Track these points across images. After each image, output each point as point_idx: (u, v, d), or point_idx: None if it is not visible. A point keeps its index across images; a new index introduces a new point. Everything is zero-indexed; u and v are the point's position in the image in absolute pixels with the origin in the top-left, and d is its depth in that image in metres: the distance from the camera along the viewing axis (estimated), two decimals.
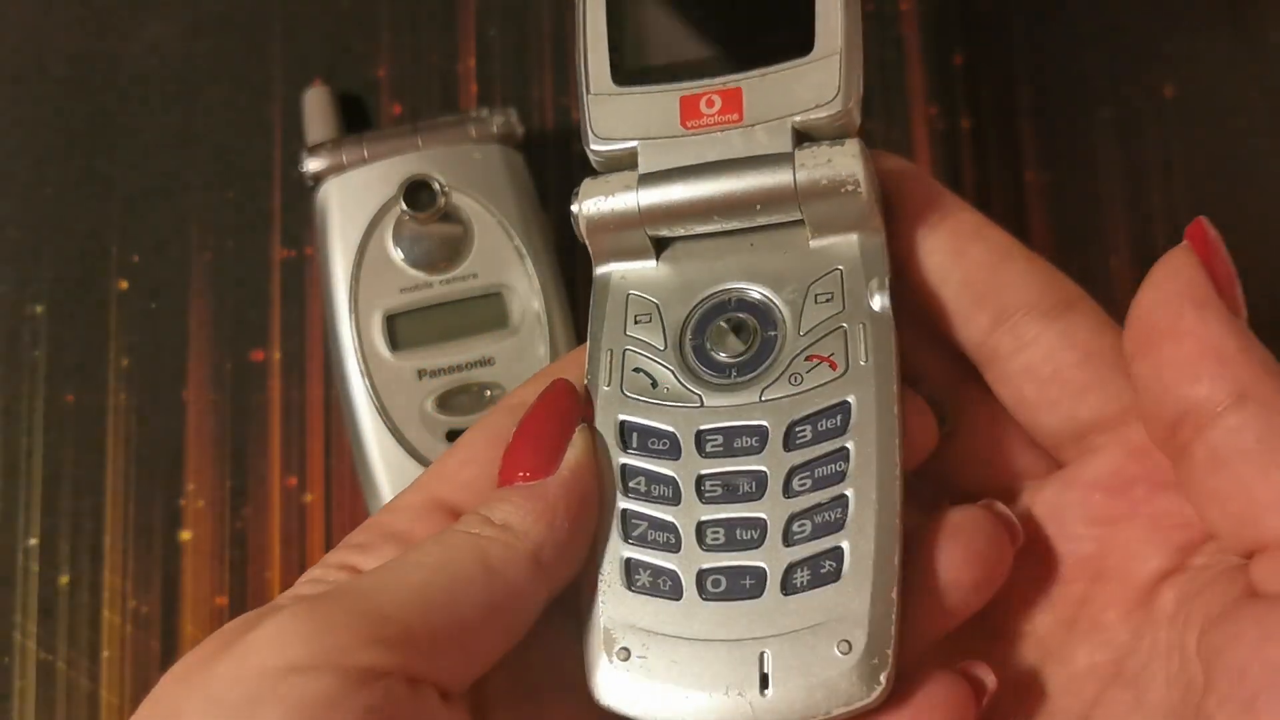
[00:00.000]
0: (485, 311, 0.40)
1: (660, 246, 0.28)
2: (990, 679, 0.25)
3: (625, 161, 0.28)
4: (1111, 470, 0.26)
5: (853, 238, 0.27)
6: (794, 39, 0.28)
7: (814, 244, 0.27)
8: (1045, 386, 0.26)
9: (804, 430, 0.25)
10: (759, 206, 0.27)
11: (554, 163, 0.45)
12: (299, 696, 0.21)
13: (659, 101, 0.27)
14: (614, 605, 0.25)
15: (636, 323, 0.27)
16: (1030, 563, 0.26)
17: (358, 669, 0.21)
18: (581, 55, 0.28)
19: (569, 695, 0.25)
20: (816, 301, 0.26)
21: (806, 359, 0.26)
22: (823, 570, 0.24)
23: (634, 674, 0.24)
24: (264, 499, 0.42)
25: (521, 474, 0.25)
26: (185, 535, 0.42)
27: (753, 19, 0.28)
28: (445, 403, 0.39)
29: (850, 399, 0.25)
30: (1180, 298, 0.23)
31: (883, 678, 0.23)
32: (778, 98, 0.27)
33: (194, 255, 0.44)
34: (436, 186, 0.41)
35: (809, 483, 0.25)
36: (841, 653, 0.24)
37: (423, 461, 0.39)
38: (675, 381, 0.26)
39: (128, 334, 0.44)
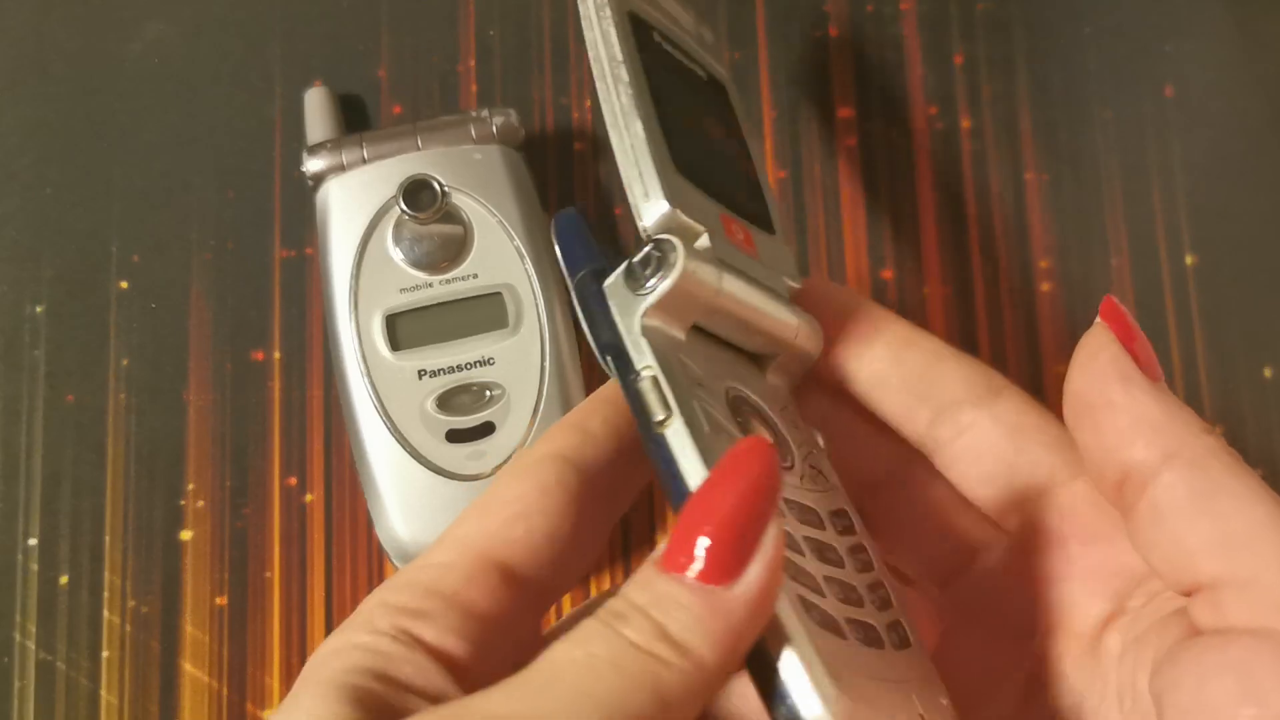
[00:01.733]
0: (485, 311, 0.40)
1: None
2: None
3: (681, 234, 0.27)
4: (1048, 532, 0.28)
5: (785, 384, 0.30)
6: (764, 217, 0.31)
7: (769, 378, 0.30)
8: (982, 464, 0.29)
9: (837, 522, 0.27)
10: (768, 335, 0.29)
11: (554, 163, 0.45)
12: None
13: (710, 206, 0.28)
14: (818, 647, 0.22)
15: (698, 384, 0.26)
16: (995, 625, 0.29)
17: None
18: (649, 129, 0.28)
19: None
20: (791, 425, 0.29)
21: (810, 466, 0.28)
22: (901, 634, 0.26)
23: (855, 704, 0.22)
24: (264, 499, 0.42)
25: (700, 568, 0.21)
26: (185, 535, 0.42)
27: (747, 186, 0.31)
28: (445, 403, 0.39)
29: (846, 508, 0.28)
30: (1106, 375, 0.26)
31: None
32: (771, 255, 0.30)
33: (194, 255, 0.44)
34: (436, 186, 0.41)
35: (857, 565, 0.26)
36: (945, 705, 0.25)
37: (423, 461, 0.39)
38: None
39: (128, 334, 0.44)
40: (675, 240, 0.26)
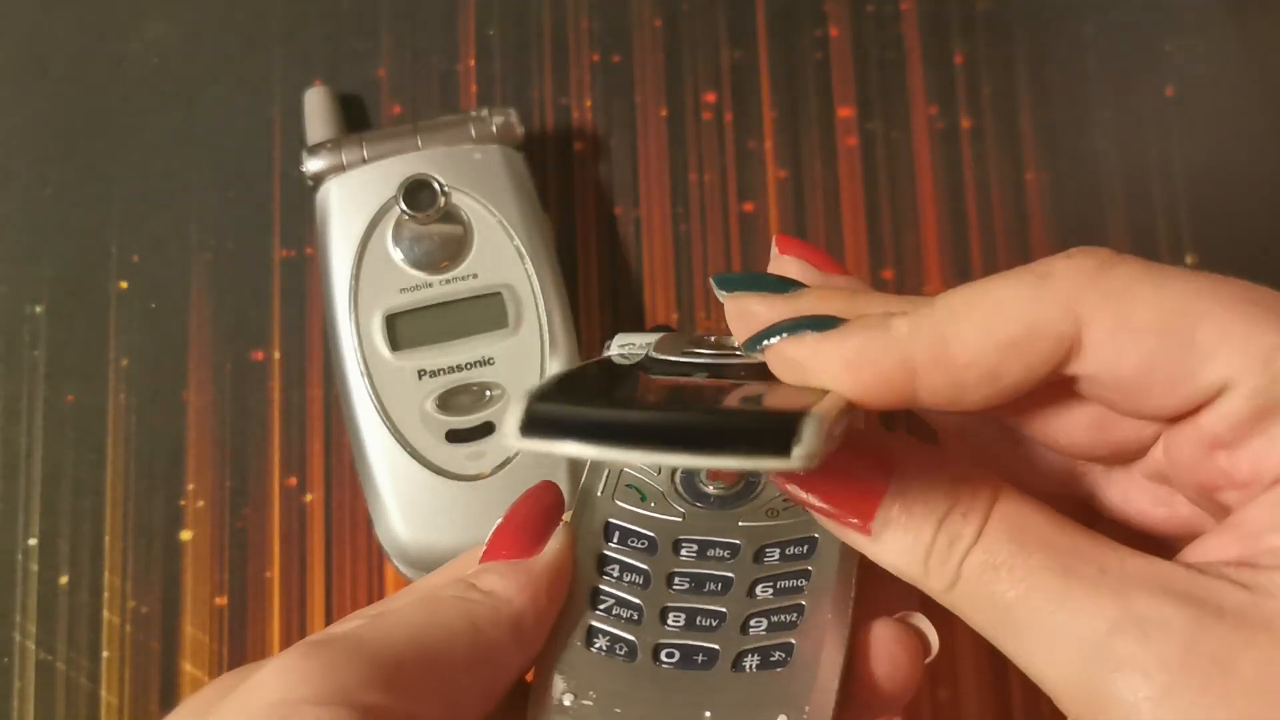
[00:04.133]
0: (485, 311, 0.40)
1: None
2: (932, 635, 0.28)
3: None
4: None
5: None
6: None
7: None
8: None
9: (773, 551, 0.28)
10: None
11: (554, 163, 0.45)
12: None
13: None
14: (568, 658, 0.27)
15: None
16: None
17: (362, 705, 0.22)
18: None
19: None
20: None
21: (785, 501, 0.29)
22: (772, 659, 0.27)
23: (573, 718, 0.26)
24: (264, 499, 0.42)
25: (506, 553, 0.28)
26: (185, 535, 0.42)
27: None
28: (445, 403, 0.39)
29: (818, 535, 0.28)
30: None
31: None
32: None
33: (194, 255, 0.44)
34: (436, 186, 0.41)
35: (770, 590, 0.28)
36: None
37: (423, 461, 0.39)
38: (663, 499, 0.30)
39: (128, 334, 0.44)
40: (615, 337, 0.32)
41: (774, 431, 0.22)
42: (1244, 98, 0.46)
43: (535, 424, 0.22)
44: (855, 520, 0.26)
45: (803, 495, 0.26)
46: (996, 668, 0.41)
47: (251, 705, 0.22)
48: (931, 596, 0.26)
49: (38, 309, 0.44)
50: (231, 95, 0.46)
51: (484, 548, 0.28)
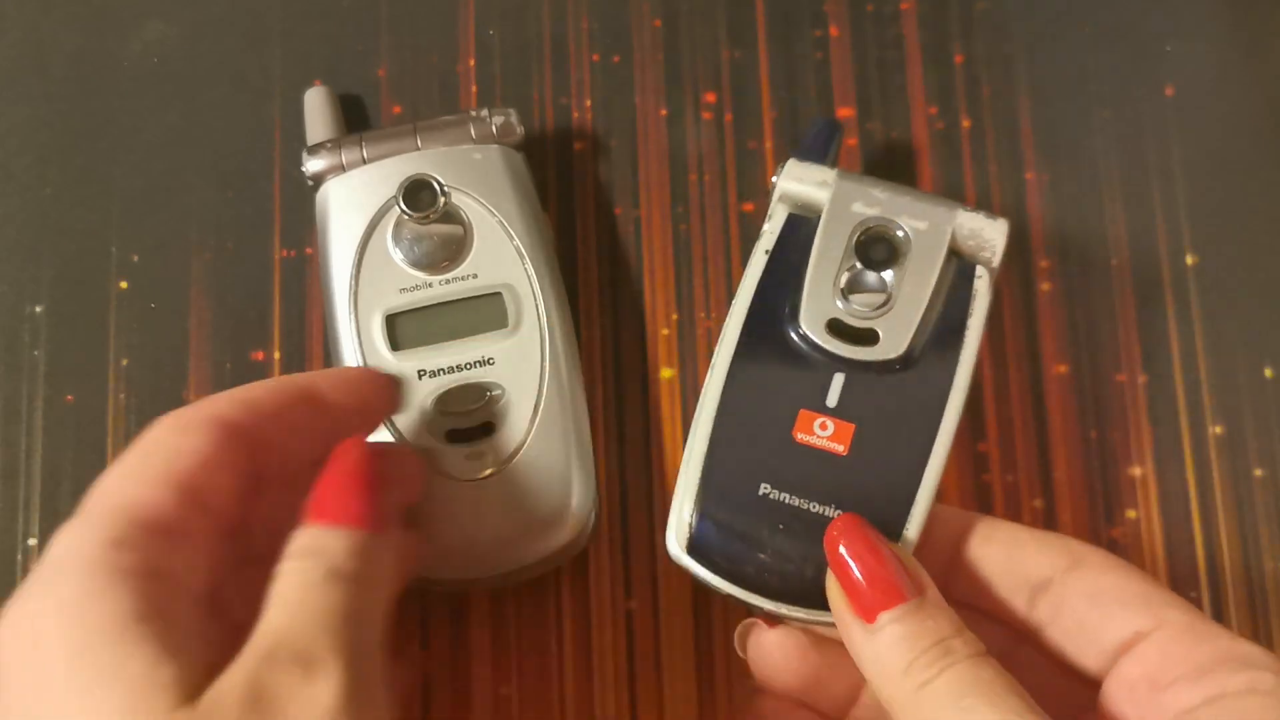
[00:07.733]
0: (485, 311, 0.40)
1: None
2: None
3: None
4: (1132, 685, 0.31)
5: None
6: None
7: None
8: (1075, 638, 0.32)
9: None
10: None
11: (554, 163, 0.45)
12: None
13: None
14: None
15: None
16: None
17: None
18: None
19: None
20: None
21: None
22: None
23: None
24: None
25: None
26: None
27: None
28: (445, 403, 0.39)
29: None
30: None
31: None
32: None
33: (194, 255, 0.44)
34: (436, 186, 0.41)
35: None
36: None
37: None
38: None
39: (128, 334, 0.44)
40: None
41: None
42: (1244, 98, 0.46)
43: (696, 551, 0.33)
44: (868, 603, 0.30)
45: (838, 568, 0.31)
46: None
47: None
48: (887, 692, 0.29)
49: (38, 309, 0.44)
50: (231, 95, 0.46)
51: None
